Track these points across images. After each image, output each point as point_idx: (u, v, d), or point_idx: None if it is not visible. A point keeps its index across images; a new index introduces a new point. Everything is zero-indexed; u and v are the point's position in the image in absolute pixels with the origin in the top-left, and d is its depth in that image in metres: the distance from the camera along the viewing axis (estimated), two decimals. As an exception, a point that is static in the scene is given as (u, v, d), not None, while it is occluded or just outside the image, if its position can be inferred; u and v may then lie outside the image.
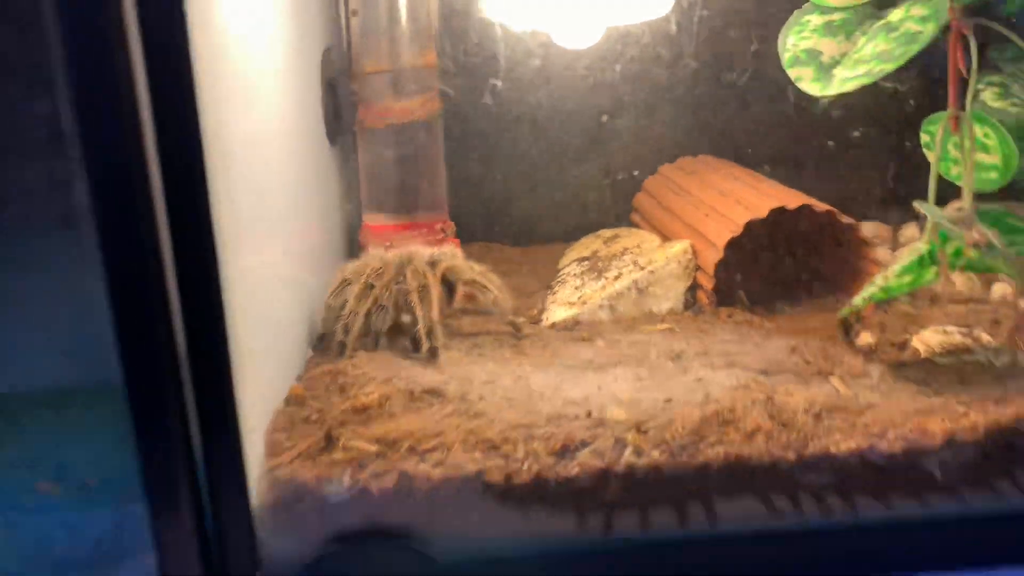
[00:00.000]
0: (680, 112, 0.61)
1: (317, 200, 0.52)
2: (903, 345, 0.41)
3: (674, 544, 0.31)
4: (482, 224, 0.63)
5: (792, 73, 0.36)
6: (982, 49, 0.42)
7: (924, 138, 0.44)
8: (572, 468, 0.31)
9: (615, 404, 0.35)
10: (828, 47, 0.36)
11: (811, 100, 0.53)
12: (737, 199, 0.48)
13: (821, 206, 0.46)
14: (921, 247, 0.37)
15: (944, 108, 0.39)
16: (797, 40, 0.36)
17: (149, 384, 0.28)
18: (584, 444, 0.32)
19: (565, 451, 0.31)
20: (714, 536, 0.31)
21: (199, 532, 0.30)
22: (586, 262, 0.54)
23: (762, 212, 0.45)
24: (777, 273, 0.48)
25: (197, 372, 0.29)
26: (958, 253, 0.36)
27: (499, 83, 0.60)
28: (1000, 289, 0.49)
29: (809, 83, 0.36)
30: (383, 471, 0.31)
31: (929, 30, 0.33)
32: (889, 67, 0.33)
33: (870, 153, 0.61)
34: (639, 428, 0.32)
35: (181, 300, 0.28)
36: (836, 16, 0.37)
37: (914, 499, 0.32)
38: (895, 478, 0.31)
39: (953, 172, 0.42)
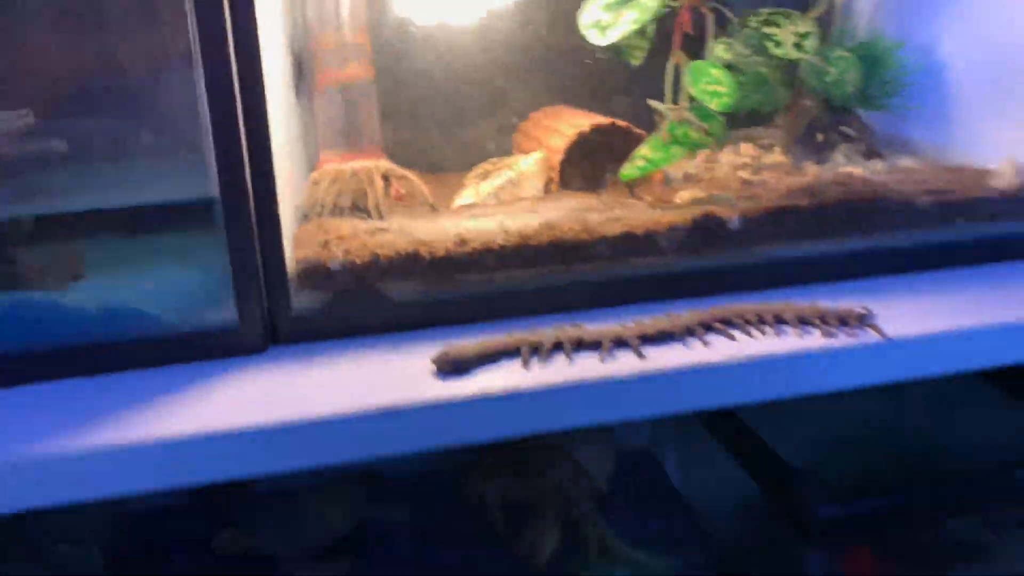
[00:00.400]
0: (541, 73, 0.86)
1: (292, 138, 0.75)
2: (668, 200, 0.68)
3: (524, 290, 0.56)
4: (407, 158, 0.87)
5: (587, 35, 0.62)
6: (724, 20, 0.69)
7: (688, 75, 0.70)
8: (467, 248, 0.56)
9: (493, 224, 0.60)
10: (607, 17, 0.62)
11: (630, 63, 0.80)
12: (573, 124, 0.74)
13: (623, 124, 0.72)
14: (663, 131, 0.63)
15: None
16: (589, 15, 0.62)
17: (235, 206, 0.51)
18: (474, 239, 0.57)
19: (463, 242, 0.56)
20: (544, 284, 0.57)
21: (258, 290, 0.53)
22: (480, 175, 0.79)
23: (586, 129, 0.71)
24: (601, 168, 0.74)
25: (258, 202, 0.52)
26: (683, 134, 0.63)
27: (416, 55, 0.84)
28: (743, 175, 0.76)
29: (596, 38, 0.62)
30: (361, 254, 0.55)
31: (654, 5, 0.60)
32: (635, 27, 0.60)
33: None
34: (503, 227, 0.57)
35: (251, 165, 0.51)
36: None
37: (655, 257, 0.58)
38: (643, 247, 0.57)
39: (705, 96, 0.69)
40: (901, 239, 0.59)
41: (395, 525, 0.81)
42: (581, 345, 0.50)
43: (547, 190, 0.74)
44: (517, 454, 0.78)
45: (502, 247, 0.56)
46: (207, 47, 0.48)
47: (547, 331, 0.51)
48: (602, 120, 0.72)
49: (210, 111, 0.49)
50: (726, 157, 0.79)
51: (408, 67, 0.86)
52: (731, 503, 0.90)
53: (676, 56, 0.64)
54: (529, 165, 0.74)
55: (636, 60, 0.78)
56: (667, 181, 0.73)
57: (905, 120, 0.78)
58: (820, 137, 0.80)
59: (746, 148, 0.81)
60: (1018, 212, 0.60)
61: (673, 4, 0.65)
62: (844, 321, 0.51)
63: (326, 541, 0.78)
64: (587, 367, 0.48)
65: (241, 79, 0.50)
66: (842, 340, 0.49)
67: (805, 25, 0.63)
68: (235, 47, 0.49)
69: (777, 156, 0.79)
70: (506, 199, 0.73)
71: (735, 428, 0.81)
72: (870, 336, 0.50)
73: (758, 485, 0.78)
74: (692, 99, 0.63)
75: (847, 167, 0.73)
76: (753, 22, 0.65)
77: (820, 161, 0.76)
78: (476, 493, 0.77)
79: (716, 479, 0.92)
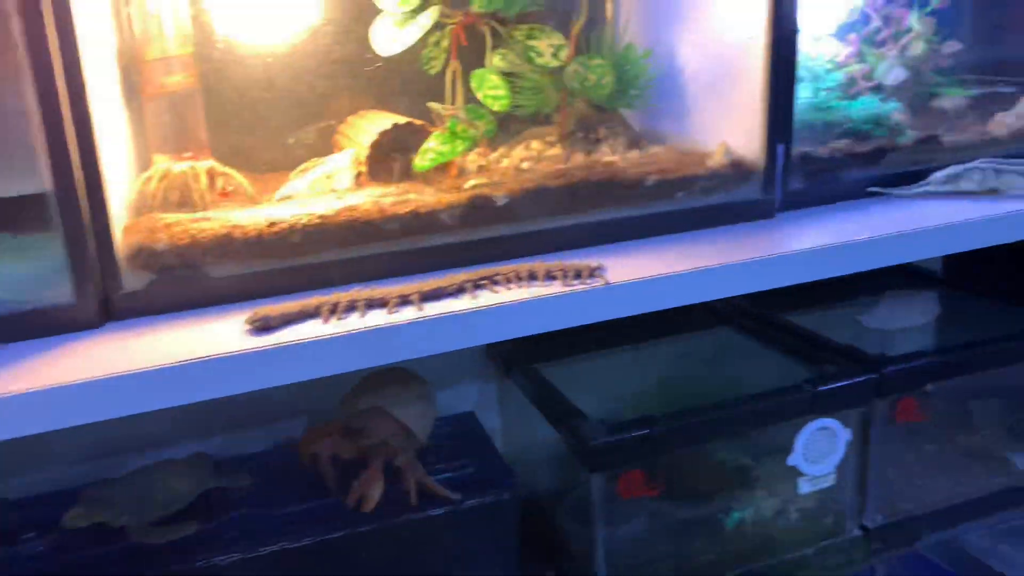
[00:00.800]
0: (359, 81, 0.97)
1: (124, 141, 0.83)
2: (460, 187, 0.80)
3: (329, 263, 0.67)
4: (239, 161, 0.95)
5: (376, 47, 0.74)
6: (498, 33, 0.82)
7: (472, 82, 0.83)
8: (276, 228, 0.66)
9: (304, 209, 0.70)
10: (394, 32, 0.74)
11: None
12: (378, 124, 0.85)
13: (419, 123, 0.84)
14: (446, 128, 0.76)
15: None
16: (381, 30, 0.74)
17: (67, 198, 0.59)
18: (283, 221, 0.67)
19: (273, 223, 0.66)
20: (347, 258, 0.68)
21: (92, 272, 0.62)
22: (301, 172, 0.89)
23: (388, 128, 0.83)
24: (403, 161, 0.85)
25: (90, 194, 0.61)
26: (463, 130, 0.75)
27: (248, 68, 0.93)
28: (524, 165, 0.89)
29: (384, 49, 0.73)
30: (183, 237, 0.64)
31: (424, 23, 0.72)
32: (410, 43, 0.72)
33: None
34: (308, 210, 0.68)
35: (81, 163, 0.60)
36: (399, 15, 0.74)
37: (439, 232, 0.70)
38: (428, 224, 0.69)
39: (488, 99, 0.82)
40: (635, 211, 0.74)
41: (238, 491, 0.90)
42: (372, 304, 0.62)
43: (358, 183, 0.85)
44: (345, 418, 0.88)
45: (306, 226, 0.66)
46: (35, 64, 0.57)
47: (344, 294, 0.62)
48: (401, 120, 0.83)
49: (42, 120, 0.58)
50: (516, 152, 0.93)
51: (239, 78, 0.95)
52: (541, 453, 1.04)
53: (452, 65, 0.76)
54: (341, 161, 0.85)
55: (435, 69, 0.89)
56: (461, 172, 0.85)
57: (658, 116, 0.94)
58: (590, 133, 0.95)
59: (535, 144, 0.95)
60: (725, 186, 0.76)
61: (450, 21, 0.77)
62: (579, 274, 0.64)
63: (172, 511, 0.86)
64: (375, 319, 0.60)
65: (69, 91, 0.59)
66: (576, 287, 0.63)
67: (557, 39, 0.77)
68: (62, 63, 0.58)
69: (556, 150, 0.93)
70: (321, 191, 0.83)
71: (544, 389, 0.94)
72: (597, 283, 0.63)
73: (557, 431, 0.91)
74: (467, 100, 0.76)
75: (608, 157, 0.87)
76: (517, 35, 0.78)
77: (589, 153, 0.90)
78: (309, 453, 0.87)
79: (531, 434, 1.05)
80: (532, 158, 0.90)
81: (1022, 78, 1.13)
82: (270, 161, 0.99)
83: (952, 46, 1.03)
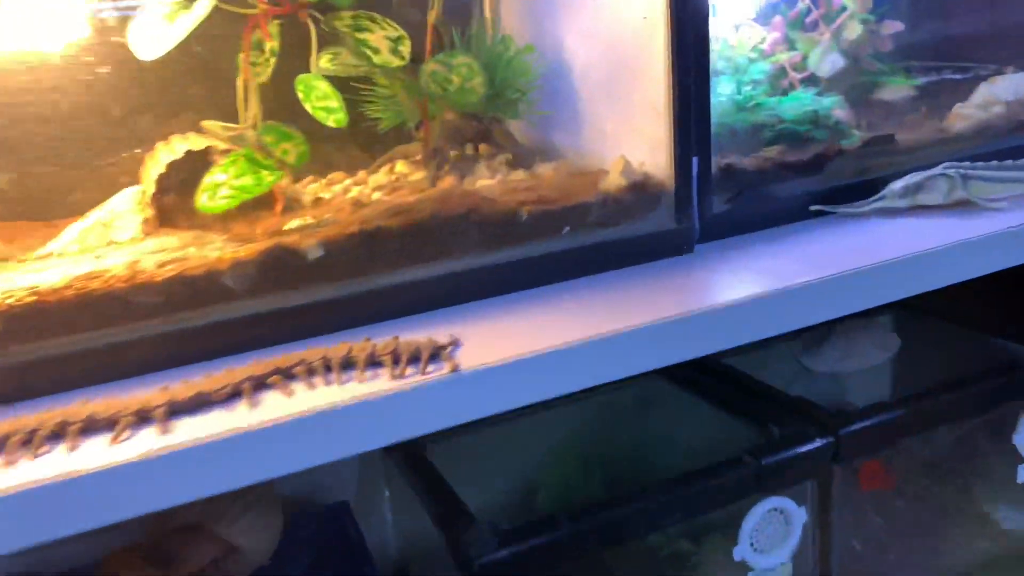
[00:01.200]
0: (180, 98, 0.76)
1: None
2: (277, 229, 0.59)
3: (46, 360, 0.46)
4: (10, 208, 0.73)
5: (135, 50, 0.53)
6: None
7: (298, 91, 0.63)
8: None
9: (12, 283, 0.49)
10: (160, 29, 0.53)
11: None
12: (171, 151, 0.64)
13: (223, 147, 0.63)
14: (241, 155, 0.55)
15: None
16: (142, 27, 0.53)
17: None
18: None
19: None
20: (76, 350, 0.46)
21: None
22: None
23: (179, 157, 0.62)
24: (176, 199, 0.64)
25: None
26: (265, 160, 0.55)
27: (25, 88, 0.71)
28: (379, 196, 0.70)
29: (145, 51, 0.53)
30: None
31: (199, 13, 0.51)
32: (175, 41, 0.51)
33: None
34: (20, 283, 0.46)
35: None
36: (168, 6, 0.54)
37: (221, 303, 0.49)
38: (203, 292, 0.48)
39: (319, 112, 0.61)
40: (509, 254, 0.54)
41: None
42: (92, 426, 0.41)
43: (146, 231, 0.63)
44: (154, 539, 0.67)
45: (12, 308, 0.45)
46: None
47: (56, 411, 0.41)
48: (197, 144, 0.62)
49: None
50: (376, 177, 0.73)
51: (10, 99, 0.73)
52: (435, 545, 0.83)
53: (244, 71, 0.56)
54: (120, 203, 0.64)
55: (260, 78, 0.69)
56: (290, 208, 0.65)
57: (556, 126, 0.74)
58: (467, 149, 0.75)
59: (400, 166, 0.75)
60: (626, 214, 0.57)
61: (251, 11, 0.57)
62: (418, 356, 0.44)
63: None
64: (92, 454, 0.39)
65: None
66: (409, 381, 0.43)
67: (393, 30, 0.58)
68: None
69: (424, 173, 0.73)
70: (95, 243, 0.62)
71: (426, 477, 0.74)
72: (442, 371, 0.43)
73: (440, 532, 0.71)
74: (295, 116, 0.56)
75: (485, 180, 0.68)
76: (339, 26, 0.58)
77: (464, 174, 0.71)
78: (106, 591, 0.66)
79: (420, 526, 0.85)
80: (390, 185, 0.70)
81: (974, 63, 0.97)
82: (71, 203, 0.77)
83: (893, 26, 0.87)
